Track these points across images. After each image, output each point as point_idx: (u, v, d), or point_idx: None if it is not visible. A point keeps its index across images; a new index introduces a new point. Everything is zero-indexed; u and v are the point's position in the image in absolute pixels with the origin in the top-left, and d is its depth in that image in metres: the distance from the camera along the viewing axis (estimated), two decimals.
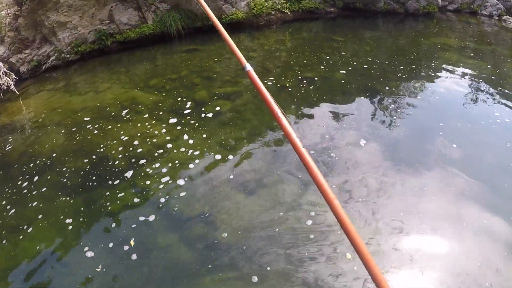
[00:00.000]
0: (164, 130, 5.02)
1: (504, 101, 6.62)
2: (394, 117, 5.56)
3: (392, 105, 5.98)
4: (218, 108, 5.53)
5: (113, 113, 5.68)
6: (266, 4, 11.07)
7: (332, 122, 5.22)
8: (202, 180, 4.00)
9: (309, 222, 3.37)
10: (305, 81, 6.57)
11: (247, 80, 6.66)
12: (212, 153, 4.46)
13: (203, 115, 5.36)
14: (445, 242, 3.23)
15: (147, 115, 5.47)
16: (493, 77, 8.18)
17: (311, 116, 5.38)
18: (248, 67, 1.71)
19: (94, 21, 9.32)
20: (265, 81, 6.59)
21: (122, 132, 5.07)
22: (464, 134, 5.15)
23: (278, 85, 6.46)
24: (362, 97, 6.13)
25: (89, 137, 5.09)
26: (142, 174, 4.14)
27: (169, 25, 9.58)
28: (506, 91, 7.26)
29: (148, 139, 4.83)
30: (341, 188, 3.79)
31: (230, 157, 4.38)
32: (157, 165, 4.28)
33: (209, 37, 9.80)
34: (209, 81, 6.62)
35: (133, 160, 4.41)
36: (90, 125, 5.42)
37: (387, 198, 3.68)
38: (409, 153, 4.55)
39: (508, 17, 21.11)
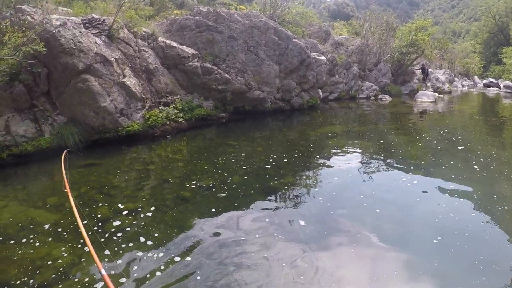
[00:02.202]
0: (66, 251, 5.17)
1: (397, 168, 8.71)
2: (296, 210, 6.45)
3: (291, 199, 6.96)
4: (120, 225, 5.88)
5: (10, 235, 5.69)
6: (161, 115, 11.93)
7: (236, 227, 5.79)
8: None
9: None
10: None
11: (147, 194, 7.14)
12: (118, 273, 4.64)
13: (105, 233, 5.65)
14: None
15: (48, 236, 5.59)
16: (379, 152, 10.01)
17: (212, 225, 5.91)
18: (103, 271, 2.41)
19: None
20: (164, 194, 7.13)
21: (21, 256, 5.10)
22: (365, 207, 6.54)
23: (177, 196, 7.06)
24: (261, 197, 6.96)
25: None
26: None
27: (67, 138, 9.87)
28: (393, 160, 9.48)
29: (50, 262, 4.93)
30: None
31: (137, 276, 4.60)
32: None
33: (106, 151, 10.23)
34: (110, 197, 7.00)
35: (35, 287, 4.50)
36: None
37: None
38: (319, 238, 5.40)
39: (383, 95, 24.70)
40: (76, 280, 4.60)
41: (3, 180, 8.15)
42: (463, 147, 10.70)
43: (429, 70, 33.50)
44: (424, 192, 7.23)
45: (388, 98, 24.31)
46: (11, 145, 9.35)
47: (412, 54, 30.01)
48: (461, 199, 6.82)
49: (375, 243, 5.29)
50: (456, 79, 44.14)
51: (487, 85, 44.08)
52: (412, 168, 8.66)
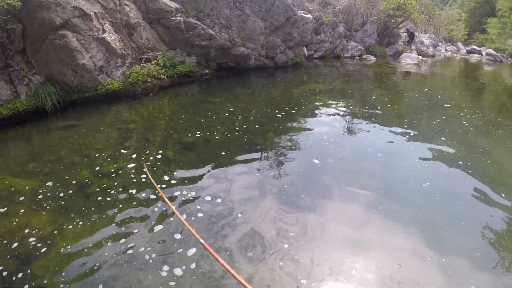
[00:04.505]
0: (47, 220, 5.02)
1: (374, 127, 8.80)
2: (278, 166, 6.56)
3: (274, 155, 7.04)
4: (102, 188, 5.74)
5: None
6: (142, 71, 11.54)
7: (219, 184, 5.84)
8: (95, 268, 4.07)
9: None
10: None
11: (126, 154, 6.95)
12: (103, 237, 4.58)
13: (88, 197, 5.51)
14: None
15: (27, 205, 5.40)
16: (364, 109, 10.28)
17: (195, 181, 5.93)
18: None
19: None
20: (147, 152, 6.96)
21: (0, 226, 4.93)
22: (345, 164, 6.73)
23: (160, 155, 6.90)
24: (244, 153, 7.00)
25: None
26: (29, 272, 4.12)
27: (44, 100, 9.49)
28: (379, 115, 9.70)
29: (31, 232, 4.79)
30: (242, 246, 4.21)
31: (123, 240, 4.53)
32: (44, 261, 4.28)
33: (85, 110, 9.91)
34: (90, 159, 6.79)
35: (17, 260, 4.34)
36: None
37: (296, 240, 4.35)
38: (300, 196, 5.52)
39: (368, 55, 24.86)
40: (56, 247, 4.48)
41: None
42: (449, 105, 10.81)
43: (415, 33, 33.70)
44: (417, 141, 7.66)
45: (372, 58, 24.49)
46: None
47: (398, 17, 30.04)
48: (450, 149, 7.27)
49: (373, 187, 5.86)
50: (440, 43, 44.32)
51: (469, 52, 43.89)
52: (402, 121, 8.74)
